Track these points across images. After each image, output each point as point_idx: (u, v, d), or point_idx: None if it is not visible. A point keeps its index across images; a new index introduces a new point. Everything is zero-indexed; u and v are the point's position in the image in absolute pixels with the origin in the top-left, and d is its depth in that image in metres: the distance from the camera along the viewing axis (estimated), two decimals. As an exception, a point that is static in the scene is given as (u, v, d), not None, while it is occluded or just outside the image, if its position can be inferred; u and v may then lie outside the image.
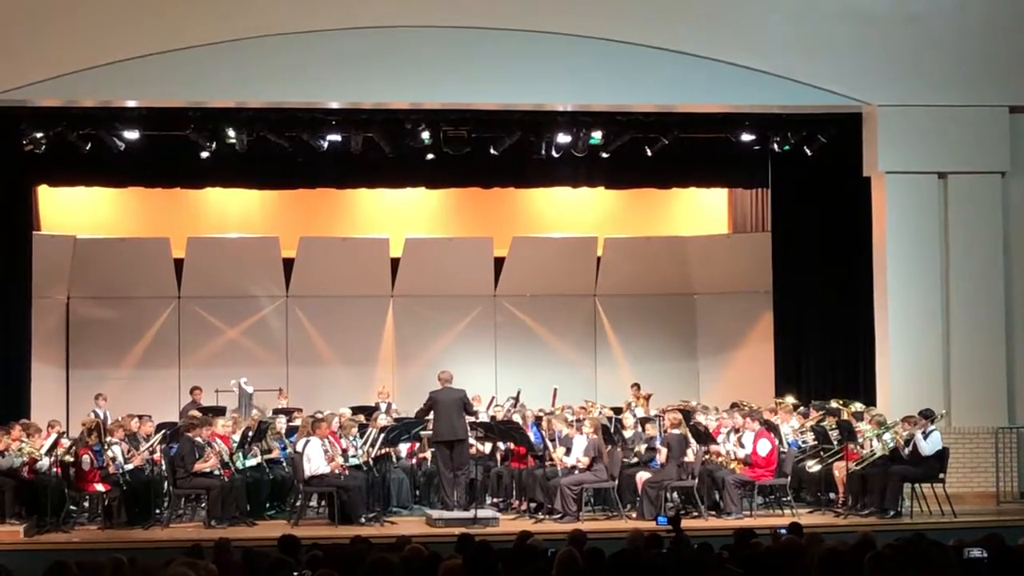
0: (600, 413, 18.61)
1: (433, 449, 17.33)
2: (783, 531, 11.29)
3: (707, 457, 16.90)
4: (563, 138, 19.33)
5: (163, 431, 17.34)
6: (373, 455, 16.69)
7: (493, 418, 18.21)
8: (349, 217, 23.80)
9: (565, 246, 23.73)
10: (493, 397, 20.52)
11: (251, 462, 16.99)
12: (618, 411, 19.47)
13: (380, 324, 23.56)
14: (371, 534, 13.29)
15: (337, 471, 16.18)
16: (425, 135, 18.99)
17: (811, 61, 18.15)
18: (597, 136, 19.32)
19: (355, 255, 23.10)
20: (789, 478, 16.84)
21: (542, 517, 16.40)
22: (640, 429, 17.70)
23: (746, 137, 19.57)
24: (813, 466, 17.04)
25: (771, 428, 17.16)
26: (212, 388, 20.94)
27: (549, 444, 17.00)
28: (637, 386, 21.28)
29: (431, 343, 23.52)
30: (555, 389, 19.87)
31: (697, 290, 24.06)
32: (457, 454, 16.66)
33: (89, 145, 19.04)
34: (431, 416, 16.97)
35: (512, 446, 17.38)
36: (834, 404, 18.13)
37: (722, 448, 17.10)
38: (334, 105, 18.39)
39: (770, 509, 17.02)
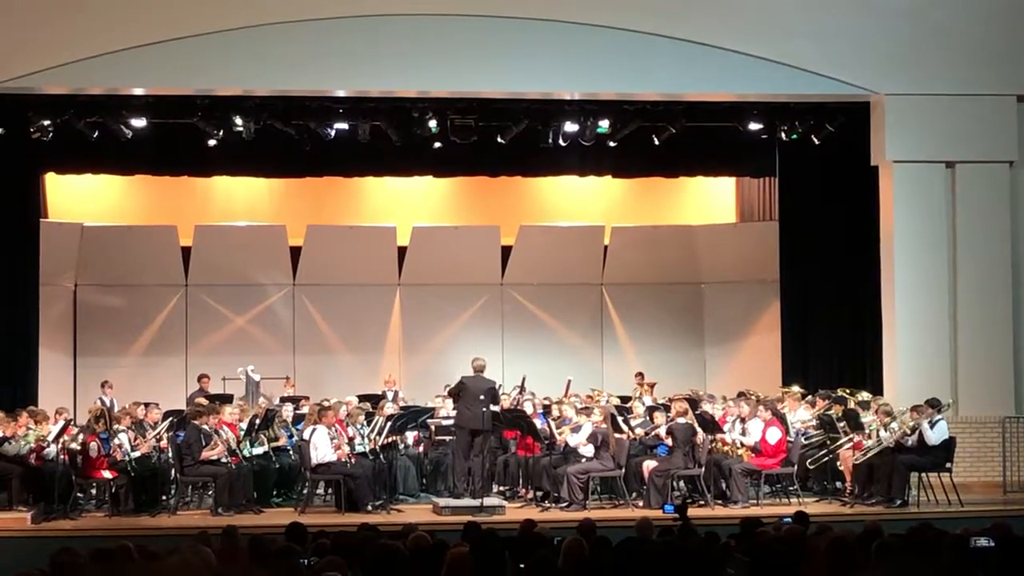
0: (607, 402, 18.61)
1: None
2: (787, 520, 11.31)
3: (713, 445, 16.90)
4: (570, 127, 19.31)
5: (170, 419, 17.37)
6: (380, 443, 16.71)
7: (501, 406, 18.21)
8: (356, 205, 23.80)
9: (572, 235, 23.72)
10: (499, 385, 20.48)
11: (258, 450, 17.03)
12: (625, 400, 19.48)
13: (387, 312, 23.56)
14: (378, 522, 13.35)
15: (344, 459, 16.20)
16: (432, 123, 18.99)
17: (819, 50, 18.12)
18: (604, 125, 19.31)
19: (362, 243, 23.10)
20: (796, 467, 16.83)
21: (548, 505, 16.42)
22: (648, 418, 17.71)
23: (753, 126, 19.52)
24: (812, 462, 17.01)
25: (779, 417, 17.14)
26: (219, 376, 20.96)
27: (552, 424, 17.03)
28: (641, 375, 21.26)
29: (438, 331, 23.53)
30: (568, 380, 19.85)
31: (704, 279, 24.04)
32: (478, 444, 16.57)
33: (96, 133, 19.07)
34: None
35: (519, 434, 17.40)
36: (841, 393, 18.11)
37: (728, 437, 17.10)
38: (341, 93, 18.40)
39: (777, 498, 17.01)
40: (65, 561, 7.74)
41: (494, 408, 16.71)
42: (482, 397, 16.38)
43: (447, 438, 17.47)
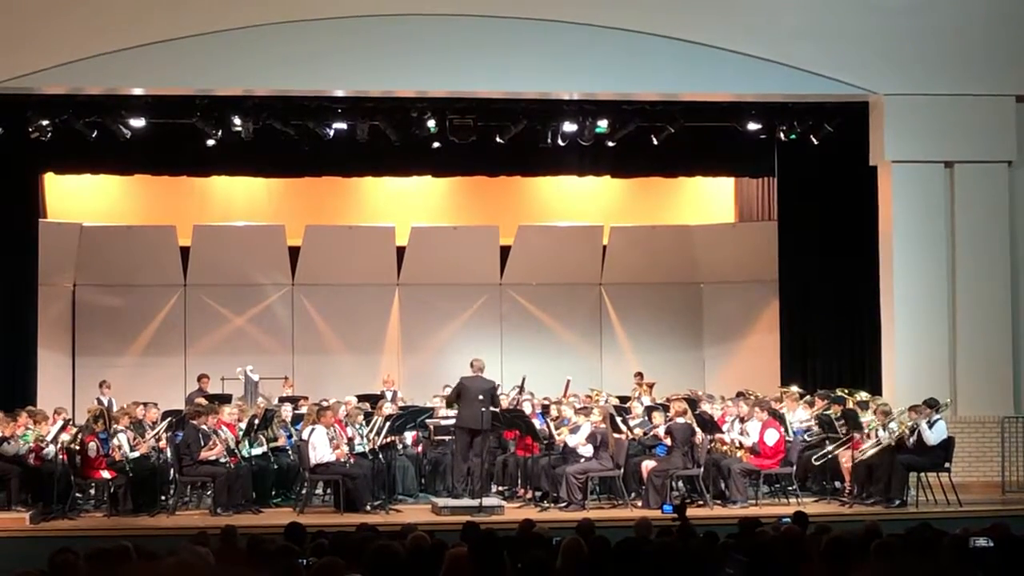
0: (606, 402, 18.62)
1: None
2: (786, 520, 11.31)
3: (712, 446, 16.91)
4: (569, 127, 19.31)
5: (169, 419, 17.37)
6: (379, 443, 16.71)
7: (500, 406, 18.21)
8: (355, 205, 23.80)
9: (571, 235, 23.72)
10: (499, 385, 20.47)
11: (257, 450, 17.03)
12: (624, 400, 19.48)
13: (386, 312, 23.57)
14: (376, 522, 13.37)
15: (342, 459, 16.19)
16: (431, 123, 18.99)
17: (818, 50, 18.13)
18: (603, 125, 19.31)
19: (361, 243, 23.11)
20: (795, 467, 16.83)
21: (547, 505, 16.42)
22: (647, 418, 17.71)
23: (752, 126, 19.52)
24: (818, 459, 17.00)
25: (778, 417, 17.15)
26: (218, 376, 20.95)
27: (551, 425, 17.04)
28: (640, 375, 21.27)
29: (437, 331, 23.53)
30: (568, 380, 19.88)
31: (703, 279, 24.05)
32: (478, 444, 16.56)
33: (95, 133, 19.05)
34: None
35: (518, 434, 17.39)
36: (839, 393, 18.11)
37: (727, 436, 17.11)
38: (340, 93, 18.40)
39: (776, 498, 17.02)
40: (64, 561, 7.73)
41: (493, 408, 16.71)
42: (481, 397, 16.36)
43: (446, 438, 17.46)
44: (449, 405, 17.16)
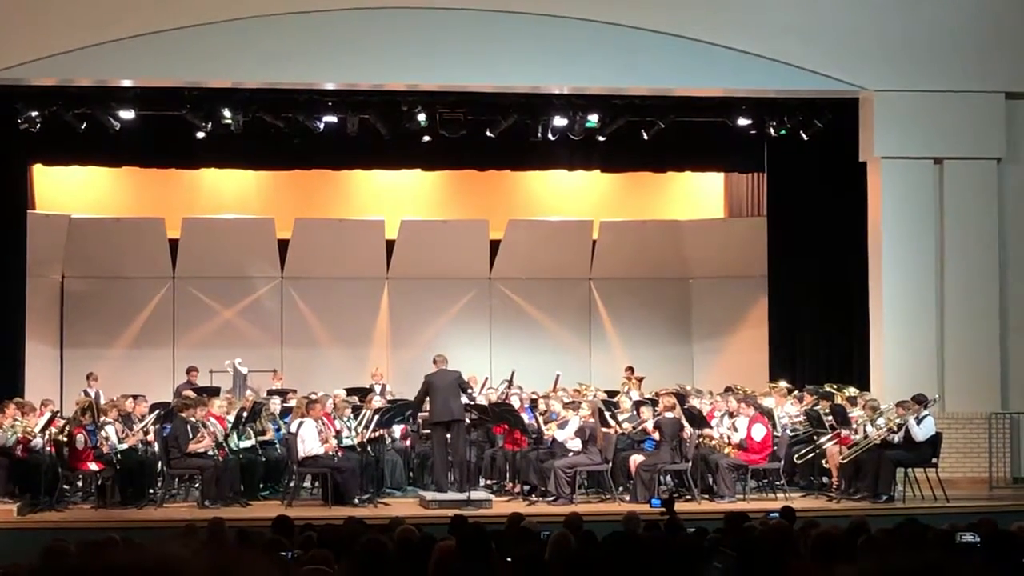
0: (594, 396, 18.62)
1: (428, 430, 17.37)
2: (774, 515, 11.34)
3: (700, 440, 16.93)
4: (559, 121, 19.30)
5: (157, 411, 17.34)
6: (367, 436, 16.71)
7: (489, 400, 18.24)
8: (345, 199, 23.76)
9: (560, 229, 23.70)
10: (487, 379, 20.51)
11: (245, 443, 17.01)
12: (613, 394, 19.48)
13: (375, 306, 23.53)
14: (365, 515, 13.35)
15: (331, 452, 16.19)
16: (421, 117, 18.98)
17: (808, 46, 18.14)
18: (593, 119, 19.30)
19: (350, 237, 23.07)
20: (783, 462, 16.86)
21: (536, 499, 16.43)
22: (636, 412, 17.72)
23: (742, 121, 19.54)
24: (799, 457, 17.04)
25: (765, 413, 17.18)
26: (207, 369, 20.96)
27: (540, 419, 17.07)
28: (631, 369, 21.29)
29: (426, 325, 23.50)
30: (557, 375, 19.90)
31: (692, 274, 24.05)
32: (454, 435, 16.62)
33: (84, 124, 19.00)
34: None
35: (507, 428, 17.41)
36: (828, 388, 18.14)
37: (715, 432, 17.13)
38: (330, 86, 18.39)
39: (763, 493, 17.04)
40: (56, 550, 7.73)
41: (464, 399, 16.83)
42: (448, 388, 16.47)
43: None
44: (418, 406, 17.19)
